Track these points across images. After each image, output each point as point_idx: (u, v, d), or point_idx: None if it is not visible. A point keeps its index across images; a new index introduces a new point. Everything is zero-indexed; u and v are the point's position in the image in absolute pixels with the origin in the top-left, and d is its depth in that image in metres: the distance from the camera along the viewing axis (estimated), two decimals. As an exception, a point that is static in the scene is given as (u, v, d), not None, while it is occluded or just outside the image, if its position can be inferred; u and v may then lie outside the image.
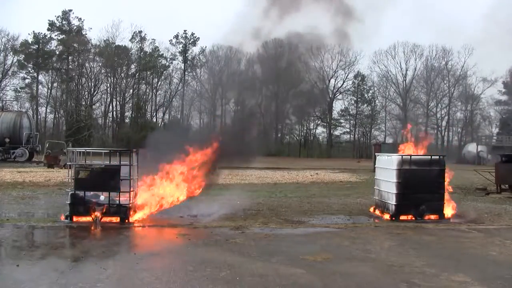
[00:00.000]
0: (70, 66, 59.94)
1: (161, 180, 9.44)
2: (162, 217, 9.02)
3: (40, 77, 59.35)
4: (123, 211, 8.51)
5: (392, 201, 9.64)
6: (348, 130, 67.84)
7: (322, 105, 58.30)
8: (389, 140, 59.52)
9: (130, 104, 61.08)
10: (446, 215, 9.69)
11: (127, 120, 60.86)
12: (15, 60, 57.54)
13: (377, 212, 10.25)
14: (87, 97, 59.34)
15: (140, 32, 60.76)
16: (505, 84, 62.65)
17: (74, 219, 8.47)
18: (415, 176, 9.54)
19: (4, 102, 48.95)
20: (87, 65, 59.37)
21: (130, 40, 60.53)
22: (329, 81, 62.31)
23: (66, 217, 8.52)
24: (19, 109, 49.74)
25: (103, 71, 59.29)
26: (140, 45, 61.35)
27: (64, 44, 58.10)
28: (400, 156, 9.69)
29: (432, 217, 9.55)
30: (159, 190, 9.38)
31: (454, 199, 10.66)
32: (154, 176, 9.38)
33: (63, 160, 24.16)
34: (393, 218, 9.50)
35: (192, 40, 63.39)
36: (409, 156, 9.74)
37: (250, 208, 10.80)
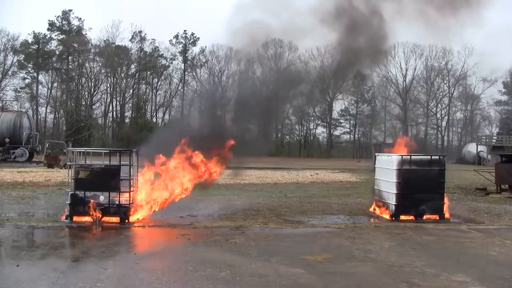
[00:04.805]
0: (70, 66, 59.90)
1: (161, 179, 9.44)
2: (162, 217, 9.02)
3: (40, 77, 59.37)
4: (123, 211, 8.50)
5: (392, 201, 9.64)
6: (348, 130, 67.89)
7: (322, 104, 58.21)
8: (389, 140, 59.49)
9: (130, 104, 61.06)
10: (446, 215, 9.69)
11: (127, 120, 60.80)
12: (15, 60, 57.49)
13: (377, 212, 10.25)
14: (87, 97, 59.30)
15: (140, 32, 60.74)
16: (505, 84, 62.70)
17: (74, 219, 8.47)
18: (415, 176, 9.54)
19: (4, 102, 48.95)
20: (87, 65, 59.34)
21: (130, 40, 60.53)
22: (329, 81, 62.21)
23: (66, 217, 8.52)
24: (19, 109, 49.71)
25: (103, 71, 59.25)
26: (140, 45, 61.32)
27: (64, 44, 58.05)
28: (400, 156, 9.69)
29: (432, 217, 9.55)
30: (159, 190, 9.38)
31: (454, 199, 10.67)
32: (154, 175, 9.38)
33: (63, 160, 24.15)
34: (393, 218, 9.50)
35: (192, 40, 63.37)
36: (409, 156, 9.73)
37: (250, 208, 10.79)
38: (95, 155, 9.21)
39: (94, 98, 59.13)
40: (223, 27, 60.60)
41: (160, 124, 59.18)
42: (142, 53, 61.56)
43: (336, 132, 67.42)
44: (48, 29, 58.81)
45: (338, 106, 65.68)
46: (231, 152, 9.80)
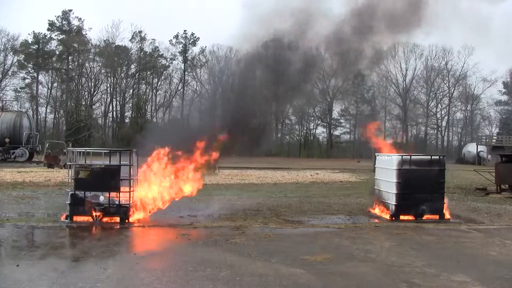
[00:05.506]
0: (70, 66, 59.89)
1: (161, 178, 9.42)
2: (162, 217, 9.02)
3: (40, 77, 59.32)
4: (123, 211, 8.51)
5: (392, 201, 9.64)
6: (348, 130, 67.88)
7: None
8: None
9: (130, 104, 61.06)
10: (446, 215, 9.69)
11: (127, 120, 60.81)
12: (15, 60, 57.46)
13: (377, 212, 10.25)
14: (87, 97, 59.31)
15: (140, 32, 60.71)
16: (505, 84, 62.70)
17: (74, 219, 8.48)
18: (415, 176, 9.54)
19: (4, 102, 48.85)
20: (87, 65, 59.36)
21: (130, 40, 60.51)
22: (329, 81, 62.26)
23: (66, 217, 8.53)
24: (19, 109, 49.68)
25: (103, 71, 59.28)
26: (140, 45, 61.30)
27: (64, 44, 58.03)
28: (400, 156, 9.70)
29: (432, 217, 9.55)
30: (159, 189, 9.36)
31: (454, 199, 10.66)
32: (153, 175, 9.37)
33: (63, 160, 24.14)
34: (393, 218, 9.50)
35: (192, 40, 63.36)
36: (409, 156, 9.74)
37: (250, 208, 10.79)
38: (95, 155, 9.21)
39: (94, 98, 59.18)
40: (226, 25, 60.32)
41: (160, 124, 59.19)
42: (142, 53, 61.56)
43: (336, 132, 67.46)
44: (48, 29, 58.84)
45: (338, 106, 65.72)
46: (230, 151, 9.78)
